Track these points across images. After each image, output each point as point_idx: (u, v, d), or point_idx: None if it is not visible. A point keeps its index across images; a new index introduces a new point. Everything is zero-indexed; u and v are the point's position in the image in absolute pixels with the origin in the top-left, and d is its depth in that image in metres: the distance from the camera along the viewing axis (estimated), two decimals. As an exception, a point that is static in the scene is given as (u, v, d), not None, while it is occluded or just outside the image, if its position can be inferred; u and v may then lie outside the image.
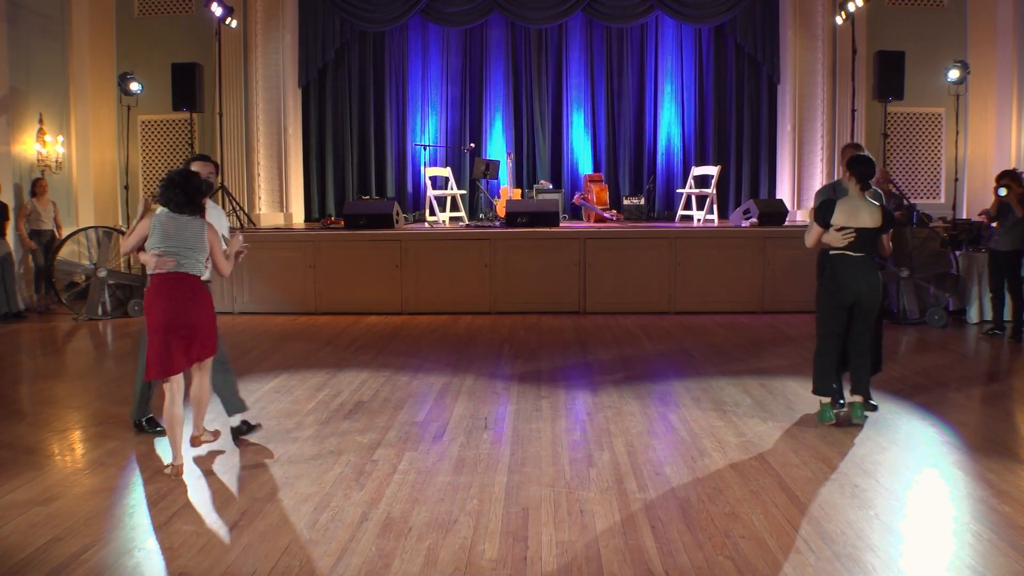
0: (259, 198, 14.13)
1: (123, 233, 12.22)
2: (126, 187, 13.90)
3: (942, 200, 13.97)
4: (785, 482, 5.03)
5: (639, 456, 5.53)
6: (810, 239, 6.22)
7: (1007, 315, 9.86)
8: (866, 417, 6.24)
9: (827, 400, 6.21)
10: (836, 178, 6.20)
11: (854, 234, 5.99)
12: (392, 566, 3.94)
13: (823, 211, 6.09)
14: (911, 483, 5.03)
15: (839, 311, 6.14)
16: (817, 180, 13.92)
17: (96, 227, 12.16)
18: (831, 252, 6.13)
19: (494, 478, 5.13)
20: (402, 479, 5.12)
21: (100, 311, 11.51)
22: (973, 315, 10.84)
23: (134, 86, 13.31)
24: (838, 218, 6.03)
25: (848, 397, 6.27)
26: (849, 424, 6.12)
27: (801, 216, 13.79)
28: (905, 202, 12.04)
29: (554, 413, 6.59)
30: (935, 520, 4.50)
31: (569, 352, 9.04)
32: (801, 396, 6.97)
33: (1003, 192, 9.42)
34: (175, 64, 13.20)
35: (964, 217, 12.96)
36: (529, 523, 4.44)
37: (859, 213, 6.02)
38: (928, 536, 4.28)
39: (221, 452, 5.65)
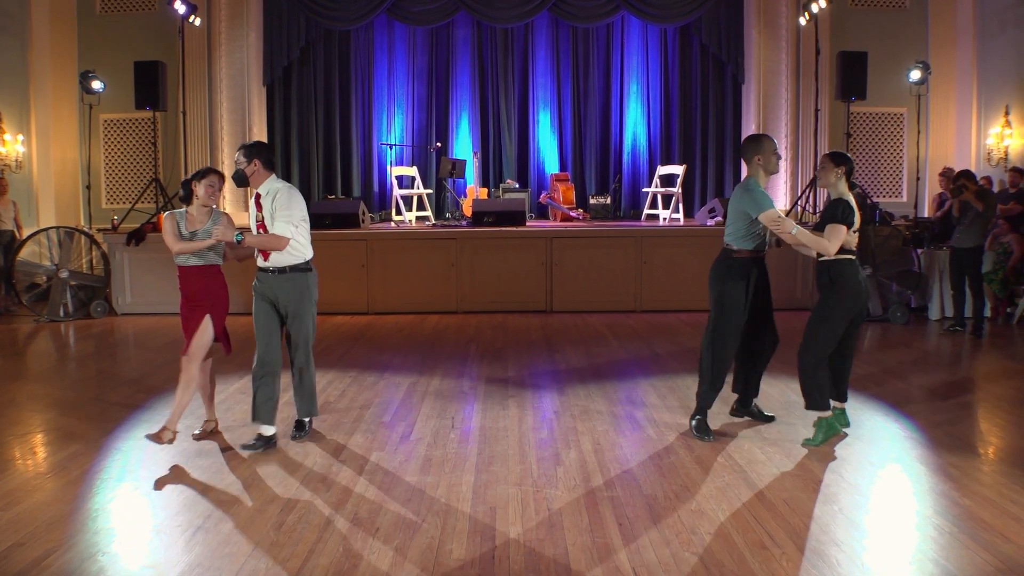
0: (224, 197, 14.01)
1: (85, 234, 12.11)
2: (88, 187, 13.72)
3: (904, 199, 14.15)
4: (751, 478, 5.07)
5: (606, 454, 5.55)
6: (835, 245, 5.54)
7: (968, 312, 10.02)
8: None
9: (828, 414, 5.75)
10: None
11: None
12: (359, 567, 3.92)
13: (847, 211, 5.53)
14: (874, 478, 5.09)
15: (846, 322, 5.70)
16: (782, 179, 14.05)
17: (57, 227, 11.99)
18: (843, 258, 5.62)
19: (461, 477, 5.12)
20: (369, 479, 5.10)
21: (62, 312, 11.36)
22: (934, 312, 10.99)
23: (96, 84, 13.13)
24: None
25: (834, 404, 5.88)
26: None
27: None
28: (868, 201, 12.20)
29: (521, 412, 6.59)
30: (898, 514, 4.56)
31: (536, 351, 9.06)
32: (764, 393, 7.02)
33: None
34: (138, 62, 13.03)
35: (926, 215, 13.14)
36: (497, 522, 4.44)
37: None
38: (891, 530, 4.34)
39: (187, 452, 5.59)
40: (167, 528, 4.40)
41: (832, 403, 5.83)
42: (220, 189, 5.75)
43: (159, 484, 5.07)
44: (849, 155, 5.81)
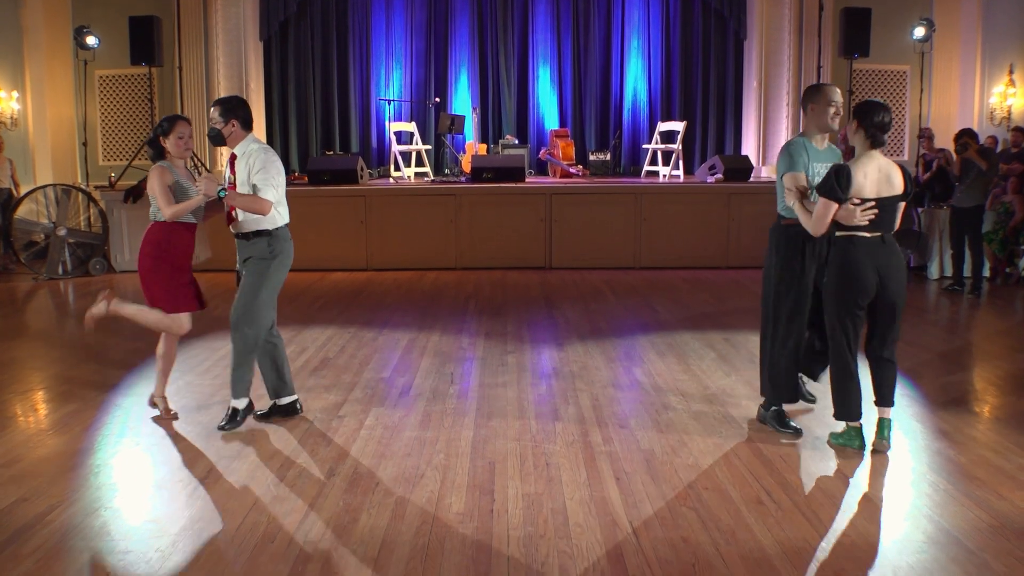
0: (221, 154, 13.93)
1: (82, 191, 12.06)
2: (84, 143, 13.63)
3: (906, 157, 14.08)
4: (748, 434, 5.11)
5: (604, 410, 5.58)
6: (818, 223, 4.66)
7: (967, 271, 10.02)
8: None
9: (857, 424, 4.86)
10: (800, 131, 5.32)
11: (875, 209, 4.62)
12: (359, 520, 3.96)
13: (841, 181, 4.56)
14: (870, 435, 5.11)
15: (855, 311, 4.77)
16: (783, 136, 13.96)
17: (55, 185, 11.93)
18: (840, 236, 4.73)
19: (460, 433, 5.15)
20: (369, 434, 5.13)
21: (60, 270, 11.36)
22: (934, 271, 11.00)
23: (91, 40, 13.00)
24: (859, 187, 4.60)
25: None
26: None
27: (766, 172, 13.85)
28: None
29: (520, 368, 6.62)
30: (893, 471, 4.59)
31: (535, 307, 9.07)
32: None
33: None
34: (132, 17, 12.89)
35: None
36: (495, 476, 4.47)
37: (880, 177, 4.65)
38: (886, 486, 4.37)
39: (187, 408, 5.61)
40: (168, 483, 4.43)
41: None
42: (191, 136, 5.35)
43: (160, 440, 5.10)
44: (874, 106, 4.69)
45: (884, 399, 4.86)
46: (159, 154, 5.32)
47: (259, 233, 5.27)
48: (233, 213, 5.27)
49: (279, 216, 5.32)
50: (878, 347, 4.86)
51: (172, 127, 5.26)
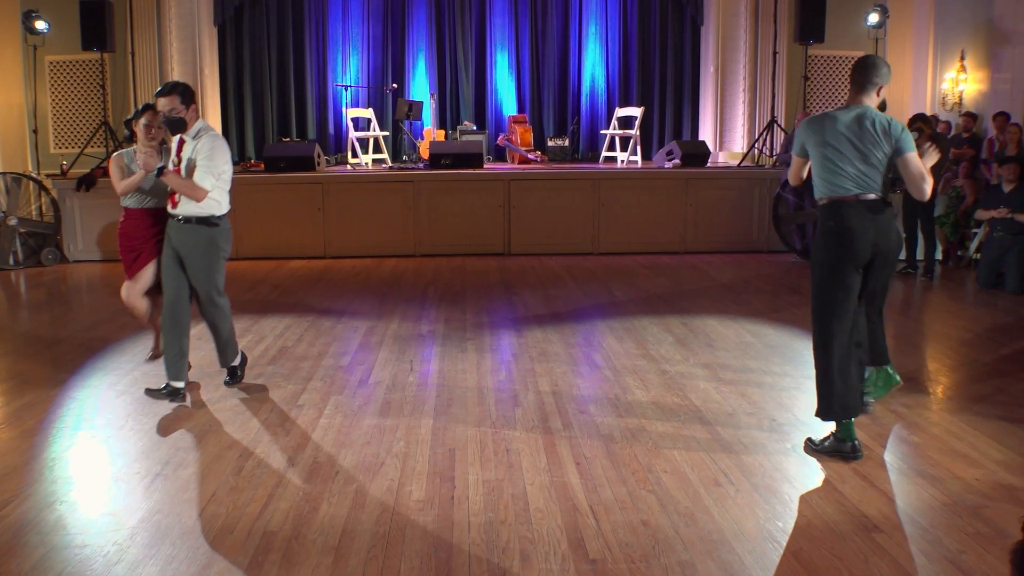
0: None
1: (33, 179, 11.84)
2: (35, 131, 13.36)
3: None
4: (706, 417, 5.16)
5: (564, 395, 5.60)
6: (791, 176, 4.86)
7: (920, 254, 10.19)
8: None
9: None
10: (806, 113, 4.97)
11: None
12: (320, 510, 3.94)
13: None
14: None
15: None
16: (739, 121, 14.05)
17: (4, 173, 11.69)
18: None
19: (420, 420, 5.15)
20: (328, 423, 5.11)
21: (11, 260, 11.15)
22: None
23: (40, 24, 12.72)
24: None
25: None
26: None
27: (724, 158, 13.95)
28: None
29: (479, 355, 6.62)
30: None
31: (494, 294, 9.07)
32: (721, 334, 7.13)
33: (914, 135, 9.65)
34: (83, 1, 12.61)
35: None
36: (456, 463, 4.48)
37: None
38: (842, 467, 4.43)
39: (143, 400, 5.54)
40: (125, 475, 4.38)
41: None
42: (160, 127, 5.52)
43: (116, 432, 5.04)
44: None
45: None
46: (132, 137, 5.65)
47: (204, 222, 5.40)
48: (176, 196, 5.37)
49: (218, 205, 5.42)
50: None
51: (142, 113, 5.56)
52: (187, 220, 5.37)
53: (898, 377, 5.19)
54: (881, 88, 4.55)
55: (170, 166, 5.34)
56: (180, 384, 5.48)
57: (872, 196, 4.47)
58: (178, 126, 5.30)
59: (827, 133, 4.53)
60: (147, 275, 5.73)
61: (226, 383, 5.87)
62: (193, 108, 5.32)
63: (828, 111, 4.66)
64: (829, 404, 4.57)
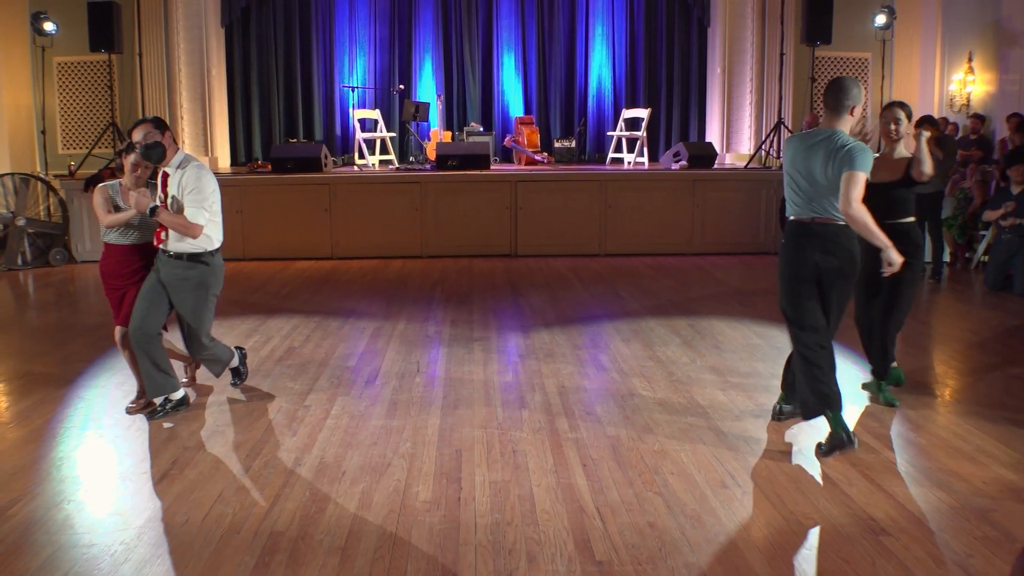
0: (183, 142, 13.74)
1: (42, 180, 11.87)
2: (43, 132, 13.40)
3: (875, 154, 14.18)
4: (713, 420, 5.15)
5: (570, 396, 5.60)
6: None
7: (928, 256, 10.15)
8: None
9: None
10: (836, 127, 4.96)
11: None
12: (326, 510, 3.95)
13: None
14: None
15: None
16: (746, 123, 14.03)
17: (13, 174, 11.74)
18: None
19: (427, 421, 5.15)
20: (335, 424, 5.11)
21: (20, 261, 11.19)
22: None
23: (48, 26, 12.76)
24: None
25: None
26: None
27: (730, 159, 13.93)
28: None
29: (486, 356, 6.62)
30: (856, 454, 4.64)
31: (501, 295, 9.07)
32: (728, 336, 7.12)
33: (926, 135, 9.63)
34: (91, 2, 12.64)
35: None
36: (463, 464, 4.48)
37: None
38: (849, 469, 4.42)
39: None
40: (133, 475, 4.39)
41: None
42: (145, 165, 5.24)
43: (124, 431, 5.05)
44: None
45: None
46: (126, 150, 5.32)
47: (194, 259, 5.22)
48: (162, 233, 5.21)
49: (210, 241, 5.25)
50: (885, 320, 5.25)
51: (131, 151, 5.21)
52: (177, 256, 5.18)
53: (888, 395, 5.45)
54: (854, 108, 4.65)
55: (156, 202, 5.15)
56: (181, 392, 5.41)
57: (815, 216, 4.60)
58: (157, 153, 5.08)
59: (792, 156, 4.70)
60: None
61: (232, 384, 5.85)
62: (168, 135, 5.13)
63: (802, 132, 4.83)
64: (804, 402, 4.69)
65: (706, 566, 3.43)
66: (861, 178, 4.40)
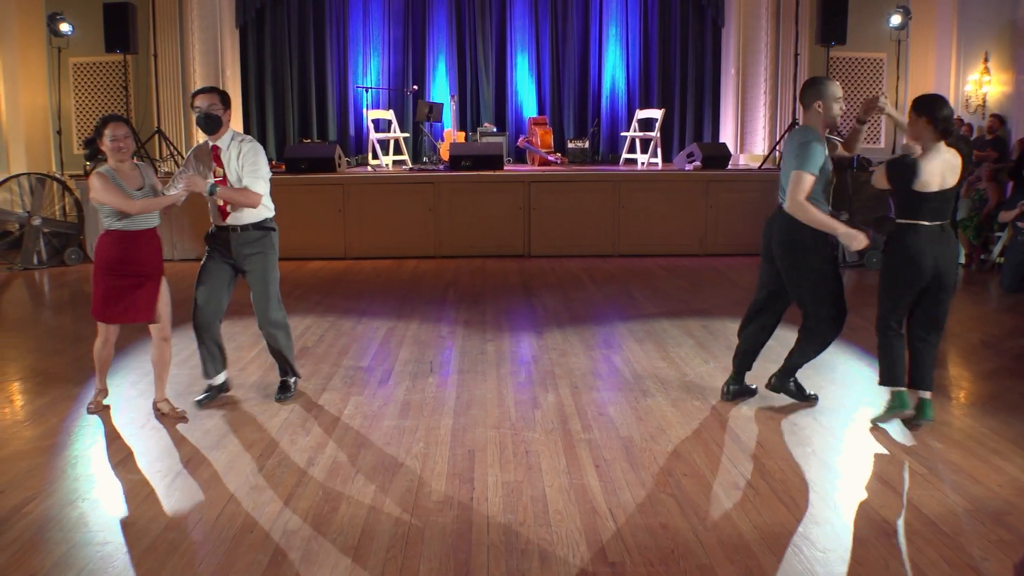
0: (197, 142, 13.79)
1: (57, 180, 11.94)
2: (59, 132, 13.48)
3: (882, 145, 14.14)
4: (726, 421, 5.14)
5: (583, 397, 5.59)
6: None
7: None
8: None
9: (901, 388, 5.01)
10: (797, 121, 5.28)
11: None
12: (339, 510, 3.96)
13: (908, 172, 4.85)
14: (848, 421, 5.16)
15: (908, 295, 4.98)
16: (760, 123, 14.00)
17: (29, 174, 11.81)
18: (900, 222, 4.96)
19: (440, 421, 5.16)
20: (348, 423, 5.13)
21: (35, 260, 11.25)
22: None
23: (64, 27, 12.83)
24: (926, 182, 4.83)
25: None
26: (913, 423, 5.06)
27: (744, 160, 13.89)
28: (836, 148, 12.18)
29: (499, 356, 6.62)
30: (870, 456, 4.63)
31: (514, 295, 9.07)
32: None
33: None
34: (107, 4, 12.70)
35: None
36: (475, 465, 4.48)
37: (946, 169, 4.91)
38: (863, 471, 4.41)
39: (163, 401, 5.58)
40: (147, 473, 4.41)
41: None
42: (127, 136, 5.11)
43: (138, 430, 5.07)
44: (937, 99, 4.90)
45: (924, 381, 4.99)
46: (93, 155, 5.14)
47: (260, 227, 5.45)
48: (227, 207, 5.34)
49: (268, 209, 5.49)
50: (923, 330, 5.03)
51: (103, 128, 5.03)
52: (244, 228, 5.38)
53: (909, 407, 5.04)
54: (819, 103, 4.95)
55: (211, 178, 5.25)
56: (223, 376, 5.63)
57: (780, 203, 5.20)
58: (213, 125, 5.23)
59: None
60: (165, 308, 5.36)
61: (277, 399, 5.58)
62: (228, 113, 5.34)
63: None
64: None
65: (719, 567, 3.43)
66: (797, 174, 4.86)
